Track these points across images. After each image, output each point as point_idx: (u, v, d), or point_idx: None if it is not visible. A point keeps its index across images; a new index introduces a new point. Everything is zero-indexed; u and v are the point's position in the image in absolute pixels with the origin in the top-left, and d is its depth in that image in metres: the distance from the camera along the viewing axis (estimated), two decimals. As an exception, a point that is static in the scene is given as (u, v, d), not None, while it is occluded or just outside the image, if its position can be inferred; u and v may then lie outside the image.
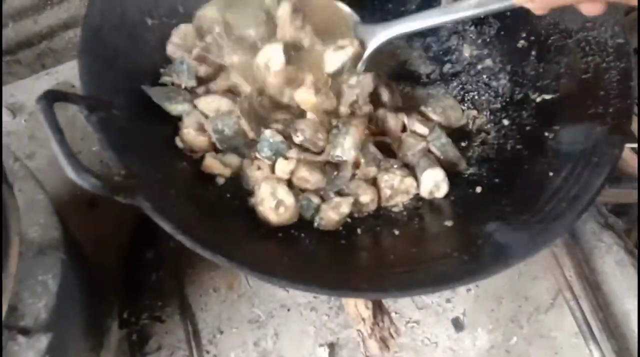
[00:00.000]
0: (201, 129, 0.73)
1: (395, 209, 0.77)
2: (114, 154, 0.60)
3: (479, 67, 0.90)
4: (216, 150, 0.75)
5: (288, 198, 0.71)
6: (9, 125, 1.07)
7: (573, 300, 0.92)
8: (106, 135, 0.61)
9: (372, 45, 0.77)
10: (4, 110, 1.07)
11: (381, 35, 0.77)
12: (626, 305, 0.96)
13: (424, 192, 0.77)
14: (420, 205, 0.77)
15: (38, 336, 0.59)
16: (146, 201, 0.57)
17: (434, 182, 0.77)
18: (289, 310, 0.94)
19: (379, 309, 0.76)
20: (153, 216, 0.57)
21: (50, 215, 0.71)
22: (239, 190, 0.74)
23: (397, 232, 0.72)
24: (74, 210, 0.88)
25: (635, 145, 0.76)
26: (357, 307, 0.76)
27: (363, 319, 0.75)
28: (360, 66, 0.78)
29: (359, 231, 0.73)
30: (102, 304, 0.89)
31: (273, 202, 0.70)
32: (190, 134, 0.73)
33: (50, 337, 0.59)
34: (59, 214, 0.73)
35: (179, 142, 0.74)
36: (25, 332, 0.59)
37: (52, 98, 0.58)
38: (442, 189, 0.77)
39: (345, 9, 0.81)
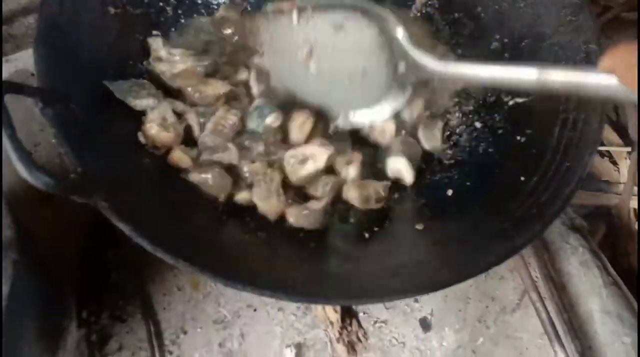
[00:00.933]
0: (165, 124, 0.70)
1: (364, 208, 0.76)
2: (70, 150, 0.57)
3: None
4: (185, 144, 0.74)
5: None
6: (-39, 113, 1.02)
7: (539, 301, 0.93)
8: (62, 130, 0.58)
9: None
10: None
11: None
12: (589, 305, 0.97)
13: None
14: (390, 206, 0.76)
15: (-15, 342, 0.56)
16: (103, 201, 0.54)
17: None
18: (255, 310, 0.92)
19: (347, 313, 0.74)
20: (110, 217, 0.54)
21: (4, 214, 0.67)
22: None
23: (367, 235, 0.71)
24: (30, 204, 0.84)
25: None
26: (325, 310, 0.75)
27: (331, 323, 0.74)
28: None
29: (328, 233, 0.71)
30: (59, 304, 0.86)
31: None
32: (153, 129, 0.70)
33: (-1, 343, 0.56)
34: (13, 211, 0.70)
35: (141, 138, 0.71)
36: (-29, 338, 0.56)
37: (4, 89, 0.54)
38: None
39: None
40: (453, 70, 0.68)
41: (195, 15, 0.85)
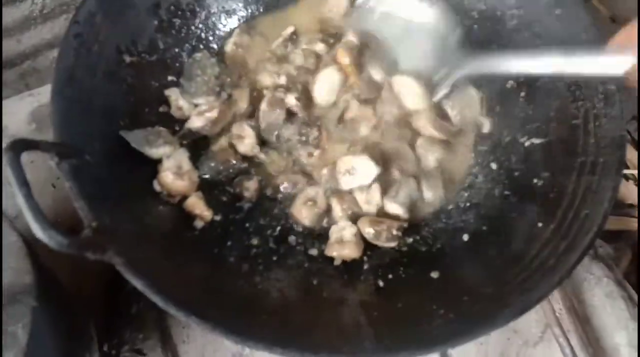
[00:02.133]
0: (180, 172, 0.71)
1: (378, 255, 0.75)
2: (85, 204, 0.58)
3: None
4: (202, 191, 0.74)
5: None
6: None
7: (562, 335, 0.90)
8: (77, 184, 0.59)
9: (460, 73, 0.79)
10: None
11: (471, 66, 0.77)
12: (616, 339, 0.94)
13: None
14: (405, 252, 0.75)
15: (6, 390, 0.57)
16: (117, 257, 0.54)
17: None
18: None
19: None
20: (124, 273, 0.55)
21: (23, 258, 0.68)
22: (217, 237, 0.72)
23: (381, 284, 0.70)
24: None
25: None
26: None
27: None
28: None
29: (337, 283, 0.71)
30: (81, 339, 0.87)
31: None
32: (168, 178, 0.71)
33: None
34: (32, 254, 0.71)
35: (156, 186, 0.72)
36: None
37: (19, 148, 0.55)
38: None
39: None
40: (488, 63, 0.74)
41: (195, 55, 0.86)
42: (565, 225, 0.63)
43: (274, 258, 0.73)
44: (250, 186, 0.79)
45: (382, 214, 0.79)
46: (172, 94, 0.80)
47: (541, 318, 0.96)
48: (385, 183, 0.79)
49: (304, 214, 0.78)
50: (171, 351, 0.91)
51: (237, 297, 0.63)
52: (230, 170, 0.80)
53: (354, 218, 0.78)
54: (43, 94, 1.10)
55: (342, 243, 0.74)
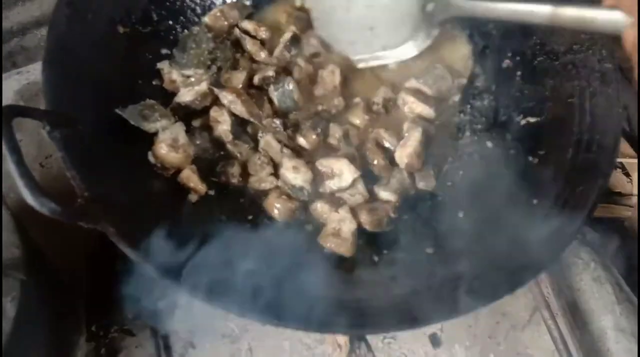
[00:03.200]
0: (175, 145, 0.70)
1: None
2: (77, 174, 0.57)
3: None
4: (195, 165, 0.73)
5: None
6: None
7: (550, 318, 0.91)
8: (70, 153, 0.58)
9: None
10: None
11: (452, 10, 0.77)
12: (602, 322, 0.95)
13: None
14: (400, 228, 0.75)
15: (-7, 363, 0.56)
16: (110, 227, 0.54)
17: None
18: (263, 324, 0.92)
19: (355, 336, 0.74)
20: (117, 243, 0.54)
21: (11, 232, 0.68)
22: (211, 209, 0.71)
23: (376, 259, 0.70)
24: (39, 222, 0.84)
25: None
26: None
27: (339, 346, 0.73)
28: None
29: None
30: (69, 318, 0.86)
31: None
32: (163, 150, 0.70)
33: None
34: (21, 229, 0.70)
35: (151, 158, 0.71)
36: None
37: (11, 114, 0.54)
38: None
39: None
40: (477, 6, 0.73)
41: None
42: (561, 202, 0.64)
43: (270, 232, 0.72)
44: (235, 172, 0.77)
45: (371, 200, 0.78)
46: (165, 66, 0.79)
47: (530, 302, 0.97)
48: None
49: (276, 210, 0.76)
50: (160, 332, 0.90)
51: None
52: (210, 152, 0.78)
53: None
54: (32, 72, 1.09)
55: (339, 237, 0.72)
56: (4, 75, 1.10)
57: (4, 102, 1.08)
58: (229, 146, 0.78)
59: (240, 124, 0.79)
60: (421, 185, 0.79)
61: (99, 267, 0.92)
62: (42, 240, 0.79)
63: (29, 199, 0.50)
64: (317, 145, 0.79)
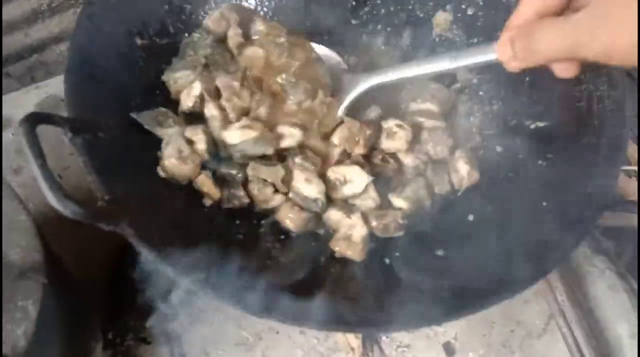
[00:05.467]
0: (182, 156, 0.71)
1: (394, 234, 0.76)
2: (98, 178, 0.59)
3: (472, 91, 0.89)
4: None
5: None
6: (-4, 139, 1.05)
7: (565, 326, 0.91)
8: (90, 158, 0.60)
9: (354, 93, 0.80)
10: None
11: (362, 84, 0.79)
12: (618, 330, 0.95)
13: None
14: (411, 231, 0.76)
15: (16, 364, 0.57)
16: (129, 228, 0.55)
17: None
18: (277, 333, 0.92)
19: (368, 338, 0.74)
20: (136, 244, 0.56)
21: (33, 237, 0.69)
22: (225, 215, 0.72)
23: (387, 261, 0.71)
24: (58, 226, 0.86)
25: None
26: (346, 336, 0.74)
27: (352, 349, 0.73)
28: (341, 112, 0.81)
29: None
30: (86, 325, 0.87)
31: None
32: (172, 163, 0.70)
33: (28, 364, 0.58)
34: (41, 235, 0.72)
35: (161, 172, 0.71)
36: (2, 360, 0.57)
37: (34, 120, 0.56)
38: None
39: (332, 59, 0.88)
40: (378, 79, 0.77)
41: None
42: (570, 204, 0.64)
43: (282, 237, 0.74)
44: (240, 194, 0.75)
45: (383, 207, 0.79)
46: (165, 77, 0.79)
47: (545, 310, 0.96)
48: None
49: (288, 221, 0.76)
50: (175, 340, 0.91)
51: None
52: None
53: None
54: (50, 86, 1.12)
55: (349, 242, 0.73)
56: (23, 90, 1.13)
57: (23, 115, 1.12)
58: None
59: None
60: (436, 189, 0.80)
61: (116, 276, 0.93)
62: (61, 248, 0.80)
63: (53, 201, 0.52)
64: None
